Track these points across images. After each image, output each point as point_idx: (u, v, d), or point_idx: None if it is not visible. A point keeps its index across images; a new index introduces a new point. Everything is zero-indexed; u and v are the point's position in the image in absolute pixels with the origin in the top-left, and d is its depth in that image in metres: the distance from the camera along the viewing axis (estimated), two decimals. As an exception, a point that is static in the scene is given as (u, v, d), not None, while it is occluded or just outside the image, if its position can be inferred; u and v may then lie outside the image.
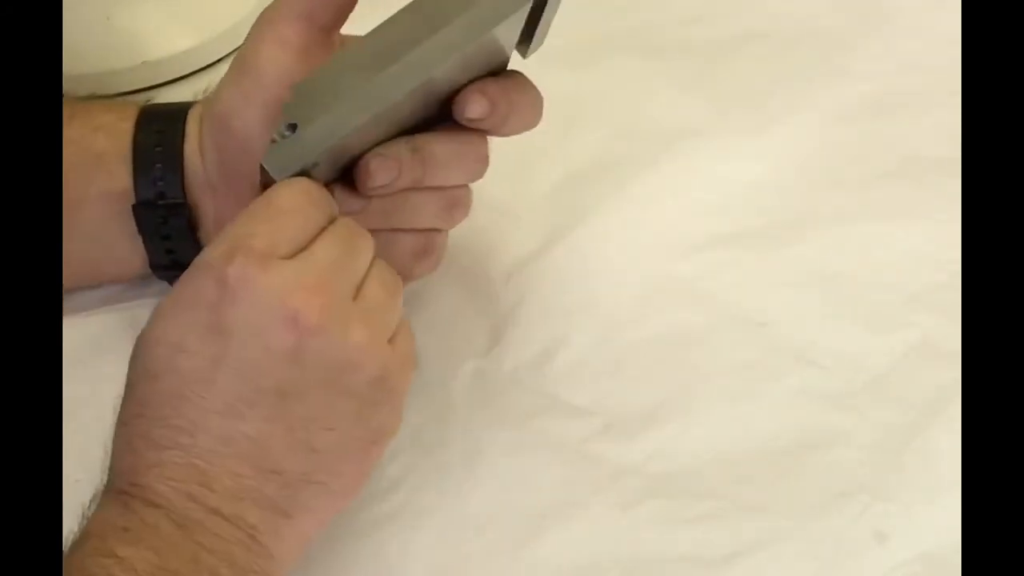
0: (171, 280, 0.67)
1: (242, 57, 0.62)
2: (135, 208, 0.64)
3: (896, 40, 0.81)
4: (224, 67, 0.80)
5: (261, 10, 0.66)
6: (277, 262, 0.53)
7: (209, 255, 0.54)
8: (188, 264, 0.64)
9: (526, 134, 0.70)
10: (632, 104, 0.76)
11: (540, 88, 0.69)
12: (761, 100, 0.77)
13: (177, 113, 0.65)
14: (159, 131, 0.64)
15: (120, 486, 0.53)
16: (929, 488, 0.61)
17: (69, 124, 0.64)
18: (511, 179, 0.69)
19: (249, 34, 0.62)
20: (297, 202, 0.55)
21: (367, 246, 0.56)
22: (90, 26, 0.79)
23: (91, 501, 0.54)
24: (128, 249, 0.65)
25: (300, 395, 0.53)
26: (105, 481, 0.54)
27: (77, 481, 0.54)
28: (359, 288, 0.55)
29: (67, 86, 0.64)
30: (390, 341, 0.55)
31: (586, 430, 0.63)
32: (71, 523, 0.53)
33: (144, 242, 0.65)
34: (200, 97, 0.67)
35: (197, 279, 0.54)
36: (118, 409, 0.54)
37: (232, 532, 0.53)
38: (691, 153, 0.74)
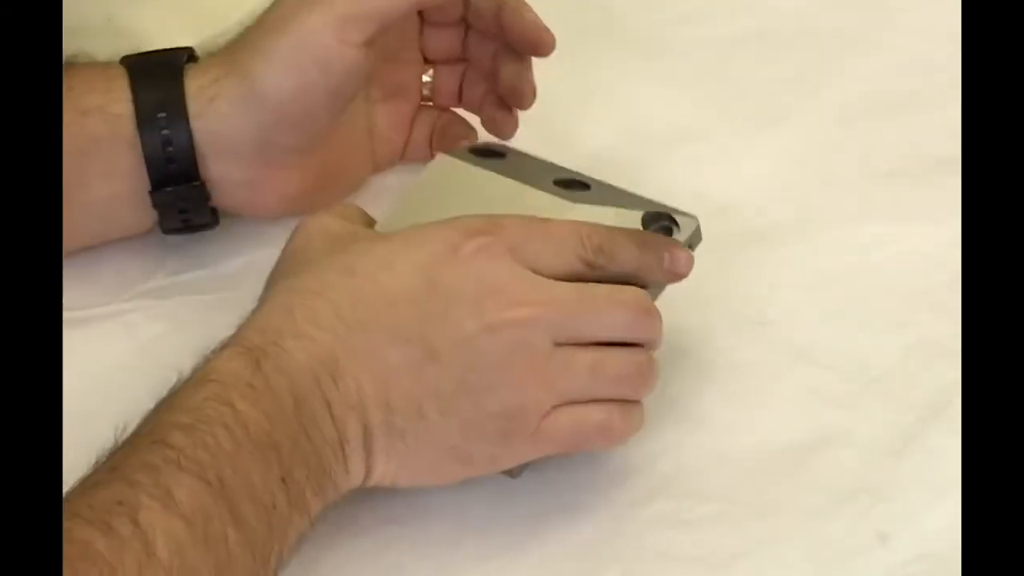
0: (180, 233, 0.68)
1: (299, 43, 0.63)
2: (152, 194, 0.65)
3: (897, 40, 0.80)
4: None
5: (260, 10, 0.66)
6: (510, 261, 0.56)
7: (464, 223, 0.57)
8: (201, 225, 0.67)
9: (520, 135, 0.70)
10: (632, 104, 0.76)
11: (539, 87, 0.69)
12: (761, 100, 0.77)
13: (172, 74, 0.65)
14: (159, 102, 0.64)
15: (258, 342, 0.55)
16: (929, 488, 0.61)
17: None
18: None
19: (305, 20, 0.63)
20: (567, 234, 0.57)
21: (615, 324, 0.57)
22: (90, 26, 0.78)
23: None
24: (136, 217, 0.67)
25: (442, 368, 0.55)
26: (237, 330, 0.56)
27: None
28: (573, 344, 0.56)
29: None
30: (555, 408, 0.56)
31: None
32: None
33: (160, 216, 0.66)
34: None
35: (440, 233, 0.57)
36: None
37: (331, 433, 0.55)
38: (691, 153, 0.74)
